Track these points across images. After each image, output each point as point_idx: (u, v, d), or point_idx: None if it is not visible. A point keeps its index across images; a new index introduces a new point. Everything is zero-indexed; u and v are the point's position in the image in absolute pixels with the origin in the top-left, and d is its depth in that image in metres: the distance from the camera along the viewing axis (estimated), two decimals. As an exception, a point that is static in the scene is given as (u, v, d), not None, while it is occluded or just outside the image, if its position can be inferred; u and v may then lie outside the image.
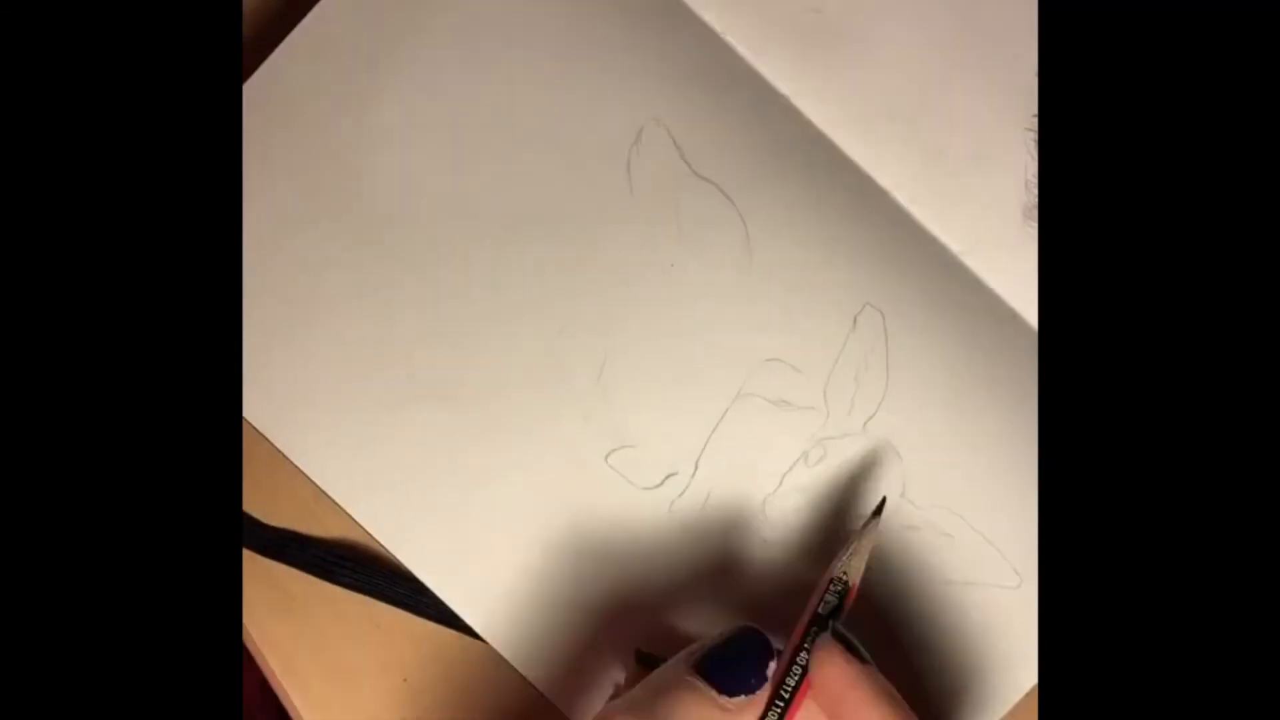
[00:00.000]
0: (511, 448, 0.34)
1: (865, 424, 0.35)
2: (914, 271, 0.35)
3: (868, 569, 0.31)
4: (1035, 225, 0.34)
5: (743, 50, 0.34)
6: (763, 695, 0.29)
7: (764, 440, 0.35)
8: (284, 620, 0.35)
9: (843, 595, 0.30)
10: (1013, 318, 0.34)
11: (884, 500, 0.33)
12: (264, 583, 0.35)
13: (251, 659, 0.36)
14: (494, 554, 0.34)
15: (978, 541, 0.35)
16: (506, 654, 0.34)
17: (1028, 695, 0.34)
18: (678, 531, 0.35)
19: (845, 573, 0.30)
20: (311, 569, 0.35)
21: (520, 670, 0.34)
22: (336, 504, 0.34)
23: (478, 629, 0.34)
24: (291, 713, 0.35)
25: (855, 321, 0.35)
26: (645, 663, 0.34)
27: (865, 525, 0.31)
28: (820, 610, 0.30)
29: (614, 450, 0.35)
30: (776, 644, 0.30)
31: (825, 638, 0.29)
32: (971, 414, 0.35)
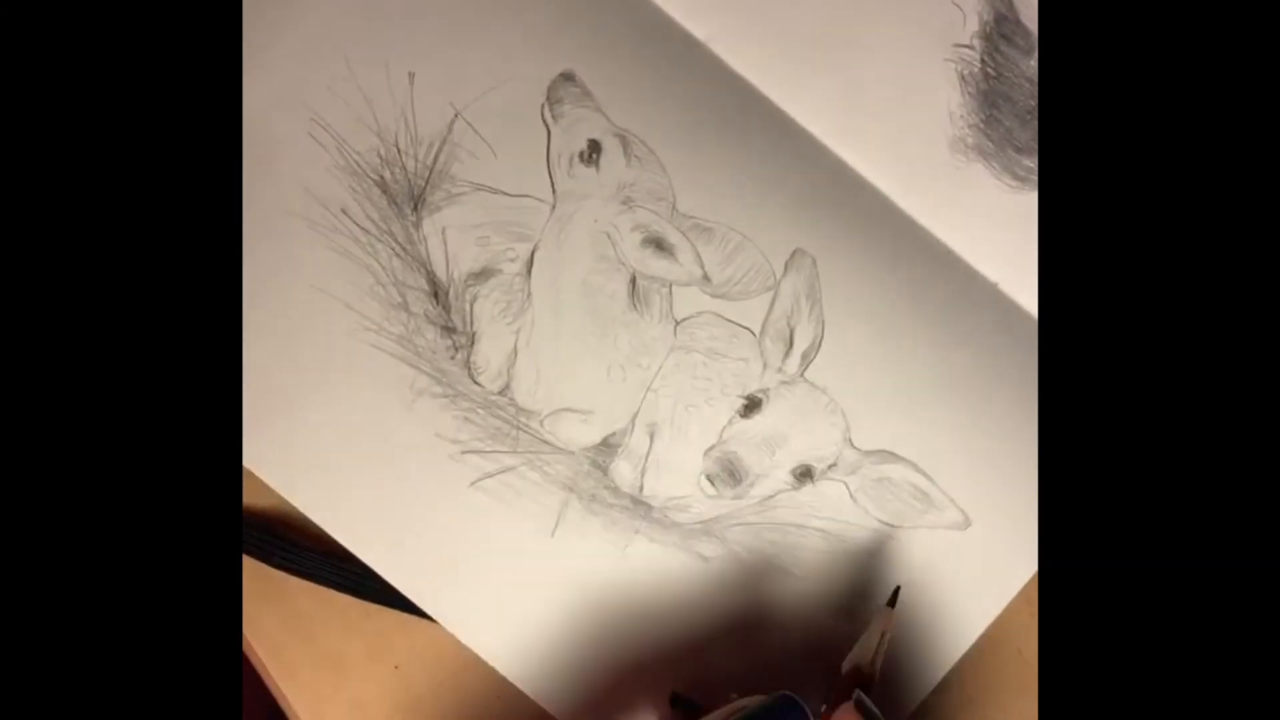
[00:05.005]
0: (442, 417, 0.34)
1: (802, 371, 0.34)
2: (842, 213, 0.34)
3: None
4: (962, 158, 0.34)
5: (653, -5, 0.33)
6: None
7: (701, 394, 0.34)
8: (273, 608, 0.35)
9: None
10: (945, 253, 0.34)
11: (898, 589, 0.33)
12: (251, 569, 0.34)
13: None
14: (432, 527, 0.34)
15: (925, 485, 0.34)
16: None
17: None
18: (619, 493, 0.34)
19: (858, 664, 0.31)
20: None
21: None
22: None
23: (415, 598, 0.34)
24: (281, 702, 0.35)
25: (786, 267, 0.34)
26: (678, 705, 0.34)
27: (881, 617, 0.32)
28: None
29: (550, 413, 0.34)
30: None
31: (847, 706, 0.29)
32: (908, 355, 0.34)
